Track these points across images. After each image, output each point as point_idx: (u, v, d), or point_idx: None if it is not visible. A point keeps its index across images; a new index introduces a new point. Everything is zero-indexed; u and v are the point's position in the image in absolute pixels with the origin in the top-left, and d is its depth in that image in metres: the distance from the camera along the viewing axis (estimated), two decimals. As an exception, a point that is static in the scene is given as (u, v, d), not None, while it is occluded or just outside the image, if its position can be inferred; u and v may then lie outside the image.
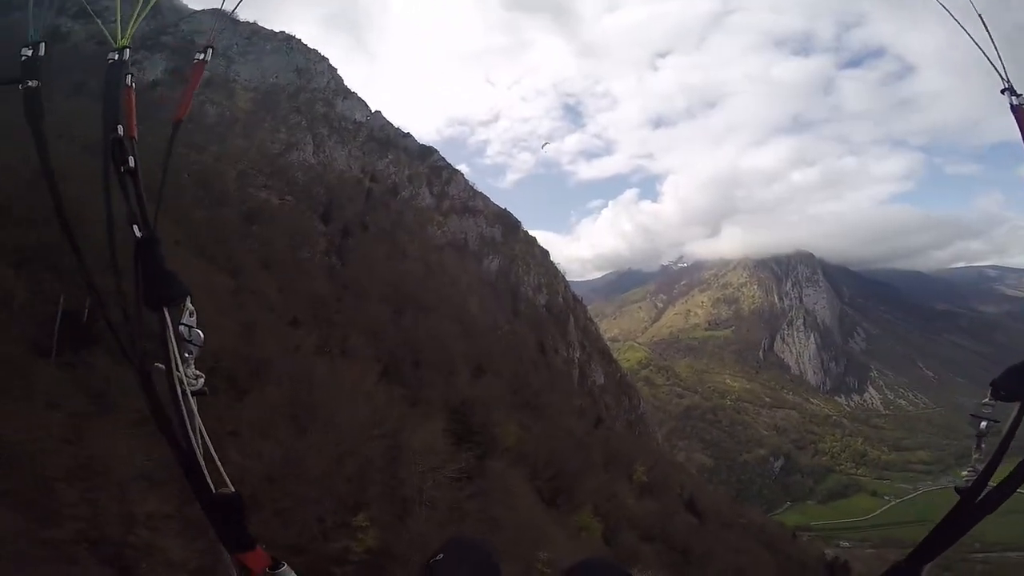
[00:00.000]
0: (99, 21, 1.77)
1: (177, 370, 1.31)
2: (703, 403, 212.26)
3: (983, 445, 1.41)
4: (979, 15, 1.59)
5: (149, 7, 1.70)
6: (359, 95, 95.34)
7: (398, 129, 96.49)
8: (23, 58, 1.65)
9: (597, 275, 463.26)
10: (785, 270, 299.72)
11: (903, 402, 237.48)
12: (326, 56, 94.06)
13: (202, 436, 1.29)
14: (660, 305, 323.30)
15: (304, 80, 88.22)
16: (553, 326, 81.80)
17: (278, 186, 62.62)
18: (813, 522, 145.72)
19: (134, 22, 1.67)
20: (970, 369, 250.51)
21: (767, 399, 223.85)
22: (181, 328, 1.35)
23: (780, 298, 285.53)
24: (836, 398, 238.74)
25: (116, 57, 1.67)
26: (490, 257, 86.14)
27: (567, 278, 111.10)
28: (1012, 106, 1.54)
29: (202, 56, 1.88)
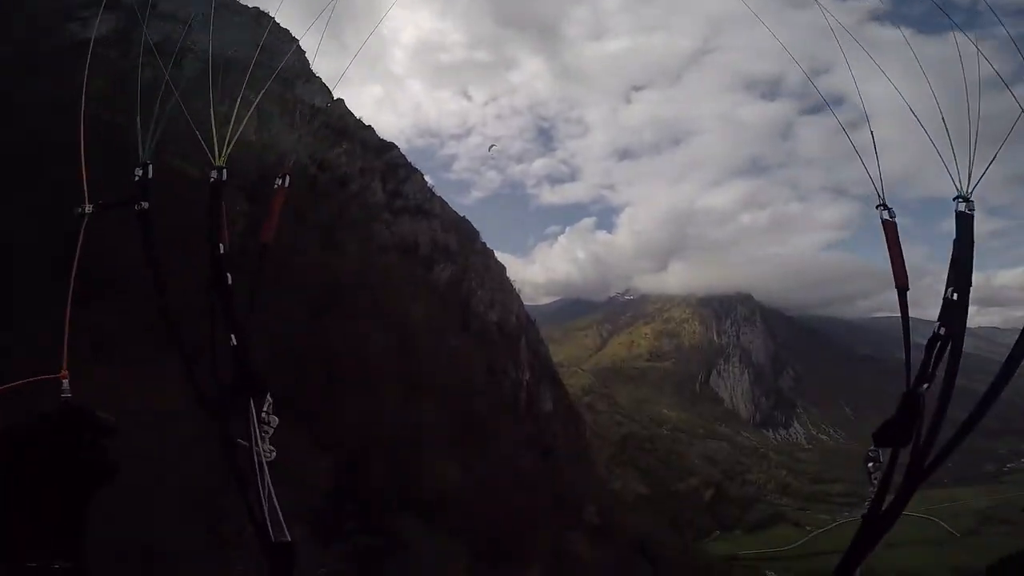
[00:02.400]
0: (199, 134, 2.00)
1: (257, 445, 1.68)
2: (641, 431, 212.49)
3: (874, 480, 1.89)
4: (871, 132, 1.99)
5: (242, 126, 1.98)
6: (323, 80, 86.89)
7: (359, 120, 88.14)
8: (135, 178, 1.87)
9: (547, 300, 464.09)
10: (726, 309, 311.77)
11: (824, 437, 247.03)
12: (296, 37, 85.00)
13: (272, 495, 1.64)
14: (605, 334, 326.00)
15: (265, 57, 77.91)
16: (503, 346, 75.17)
17: (202, 158, 53.40)
18: (741, 551, 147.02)
19: (228, 144, 1.95)
20: (885, 408, 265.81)
21: (701, 430, 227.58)
22: (262, 415, 1.71)
23: (719, 335, 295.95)
24: (764, 431, 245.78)
25: (215, 176, 1.94)
26: (442, 265, 78.75)
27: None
28: (882, 220, 1.89)
29: (281, 182, 2.06)
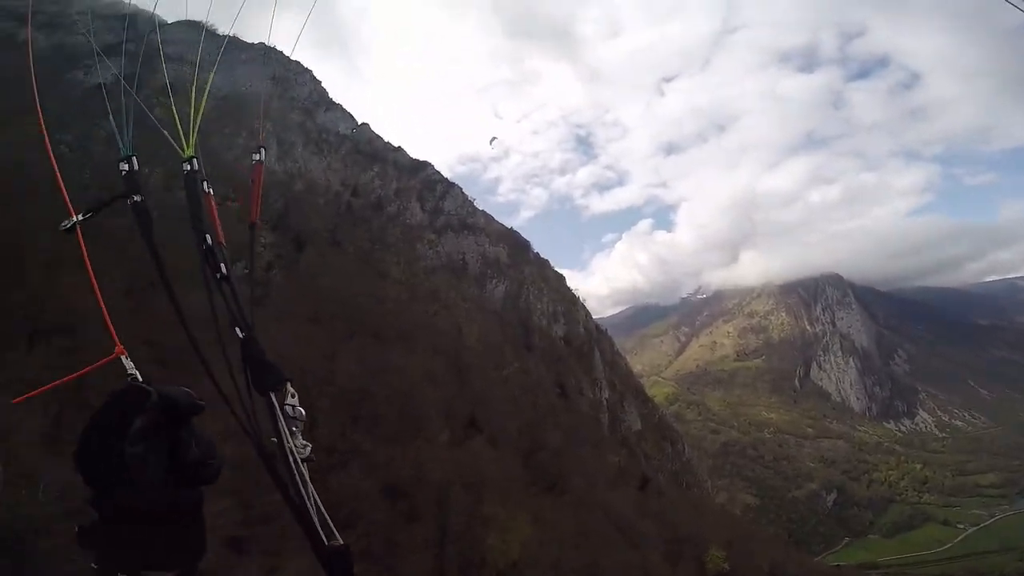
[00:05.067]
0: (166, 132, 1.91)
1: (288, 442, 1.54)
2: (741, 438, 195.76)
3: None
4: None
5: (199, 114, 1.89)
6: (345, 107, 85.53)
7: (387, 143, 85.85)
8: (123, 173, 1.82)
9: (614, 311, 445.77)
10: (813, 294, 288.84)
11: (959, 423, 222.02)
12: (309, 68, 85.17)
13: (314, 496, 1.50)
14: (683, 338, 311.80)
15: (281, 89, 78.94)
16: (575, 362, 67.07)
17: (221, 189, 50.75)
18: (879, 559, 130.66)
19: (194, 132, 1.87)
20: None
21: (809, 430, 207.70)
22: (286, 408, 1.60)
23: (811, 323, 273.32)
24: (885, 424, 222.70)
25: (189, 168, 1.84)
26: (494, 281, 72.62)
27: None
28: None
29: (258, 157, 2.01)
